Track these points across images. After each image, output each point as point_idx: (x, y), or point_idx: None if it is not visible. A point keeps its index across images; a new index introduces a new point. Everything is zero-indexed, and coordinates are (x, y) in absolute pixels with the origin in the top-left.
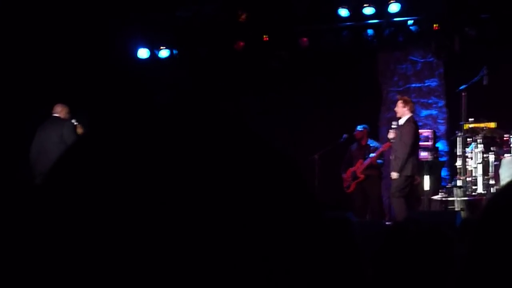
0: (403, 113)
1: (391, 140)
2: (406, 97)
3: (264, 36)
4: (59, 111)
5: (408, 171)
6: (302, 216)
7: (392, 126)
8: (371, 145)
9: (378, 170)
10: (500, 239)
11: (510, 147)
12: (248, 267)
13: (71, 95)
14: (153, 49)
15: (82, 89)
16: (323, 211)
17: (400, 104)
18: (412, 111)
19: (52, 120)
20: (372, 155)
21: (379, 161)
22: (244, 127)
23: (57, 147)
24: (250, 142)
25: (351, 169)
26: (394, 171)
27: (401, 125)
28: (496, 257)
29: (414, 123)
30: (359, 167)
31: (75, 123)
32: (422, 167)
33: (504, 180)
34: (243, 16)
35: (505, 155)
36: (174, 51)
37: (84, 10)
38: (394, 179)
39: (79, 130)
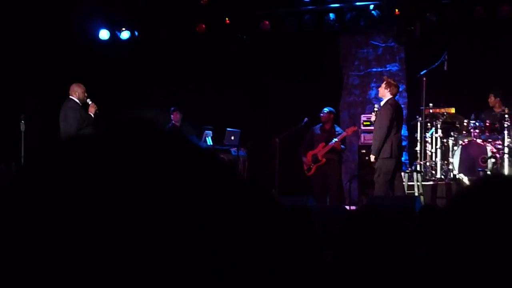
0: (384, 95)
1: (374, 123)
2: (391, 80)
3: (226, 19)
4: (71, 91)
5: (386, 153)
6: (250, 208)
7: (375, 109)
8: (335, 129)
9: (339, 154)
10: (460, 240)
11: (469, 132)
12: (207, 262)
13: (31, 78)
14: (114, 30)
15: (42, 72)
16: (275, 199)
17: (383, 85)
18: (393, 93)
19: (66, 100)
20: (335, 139)
21: (342, 146)
22: (168, 136)
23: (63, 125)
24: (182, 149)
25: (312, 152)
26: (372, 154)
27: (382, 107)
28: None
29: (391, 105)
30: (321, 150)
31: (89, 102)
32: (402, 149)
33: (458, 165)
34: None
35: (465, 140)
36: (135, 33)
37: None
38: (377, 163)
39: (92, 110)
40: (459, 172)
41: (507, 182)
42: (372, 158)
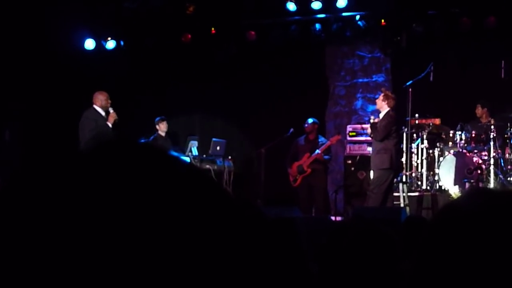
0: (382, 107)
1: (370, 135)
2: (388, 92)
3: (212, 29)
4: (94, 99)
5: (386, 164)
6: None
7: (371, 120)
8: (319, 140)
9: (324, 165)
10: (446, 253)
11: (455, 143)
12: (190, 276)
13: (16, 88)
14: (100, 40)
15: (27, 81)
16: (260, 212)
17: (380, 97)
18: (390, 106)
19: (86, 110)
20: (317, 151)
21: (326, 156)
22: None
23: (80, 135)
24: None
25: (297, 163)
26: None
27: (381, 118)
28: (442, 271)
29: (390, 117)
30: (306, 161)
31: (110, 111)
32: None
33: (442, 176)
34: (191, 8)
35: (451, 151)
36: (121, 42)
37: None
38: (375, 174)
39: (111, 119)
40: (455, 184)
41: (494, 195)
42: (369, 131)
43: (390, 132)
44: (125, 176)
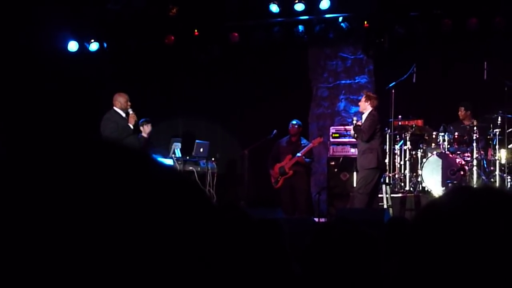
0: (365, 108)
1: (354, 137)
2: (370, 93)
3: (195, 31)
4: (114, 101)
5: (373, 164)
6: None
7: (354, 122)
8: (301, 142)
9: (306, 166)
10: (429, 253)
11: (438, 145)
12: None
13: None
14: (83, 42)
15: (9, 83)
16: (244, 213)
17: (363, 99)
18: (373, 106)
19: (107, 112)
20: (298, 154)
21: (307, 159)
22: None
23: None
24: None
25: (279, 165)
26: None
27: (365, 119)
28: (425, 271)
29: (373, 116)
30: (288, 162)
31: (130, 112)
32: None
33: (425, 178)
34: (174, 10)
35: (434, 152)
36: (104, 44)
37: (12, 1)
38: (360, 174)
39: (131, 121)
40: (442, 186)
41: (474, 193)
42: (352, 132)
43: (375, 132)
44: (101, 179)
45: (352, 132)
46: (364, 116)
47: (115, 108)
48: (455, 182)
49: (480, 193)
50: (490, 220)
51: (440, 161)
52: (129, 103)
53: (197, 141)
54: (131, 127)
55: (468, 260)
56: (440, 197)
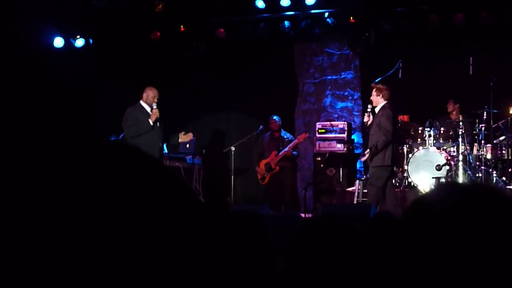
0: (377, 102)
1: (367, 124)
2: (380, 85)
3: (181, 27)
4: (143, 93)
5: (388, 161)
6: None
7: (368, 110)
8: (284, 136)
9: (293, 162)
10: (417, 248)
11: (424, 140)
12: (151, 271)
13: None
14: (69, 38)
15: None
16: (225, 207)
17: (374, 92)
18: (386, 98)
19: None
20: (285, 149)
21: (294, 152)
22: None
23: (124, 130)
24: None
25: (265, 161)
26: (369, 158)
27: (377, 114)
28: (416, 264)
29: (390, 109)
30: (274, 158)
31: (154, 107)
32: (336, 160)
33: (411, 173)
34: (160, 6)
35: (420, 147)
36: (90, 41)
37: None
38: (375, 170)
39: (153, 117)
40: (414, 180)
41: (463, 189)
42: (365, 158)
43: (395, 126)
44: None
45: (365, 119)
46: (377, 110)
47: (141, 101)
48: (440, 177)
49: (468, 189)
50: (478, 216)
51: (426, 156)
52: (156, 99)
53: None
54: (151, 123)
55: (456, 256)
56: (428, 193)
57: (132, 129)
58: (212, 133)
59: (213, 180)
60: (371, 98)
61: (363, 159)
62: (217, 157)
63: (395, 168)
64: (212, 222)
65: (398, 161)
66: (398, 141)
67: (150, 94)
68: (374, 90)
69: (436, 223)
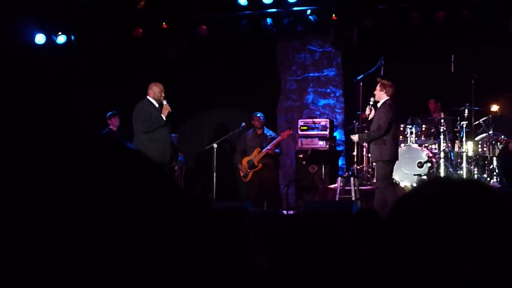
0: (380, 97)
1: (368, 118)
2: (385, 80)
3: (163, 23)
4: (148, 90)
5: (386, 156)
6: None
7: (370, 103)
8: (267, 134)
9: (275, 159)
10: (407, 242)
11: (406, 137)
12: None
13: None
14: (50, 34)
15: None
16: (207, 203)
17: (378, 87)
18: (389, 94)
19: (140, 101)
20: (267, 146)
21: (276, 150)
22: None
23: (135, 126)
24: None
25: (247, 158)
26: (359, 138)
27: (378, 109)
28: (403, 260)
29: (390, 106)
30: (256, 156)
31: (164, 103)
32: (318, 157)
33: (393, 170)
34: (142, 3)
35: (402, 145)
36: (72, 37)
37: None
38: (376, 165)
39: (165, 112)
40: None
41: (450, 184)
42: (355, 138)
43: (391, 123)
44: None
45: (367, 112)
46: (379, 105)
47: (148, 97)
48: (422, 174)
49: (454, 184)
50: (464, 212)
51: (407, 154)
52: (163, 94)
53: None
54: (164, 118)
55: (441, 251)
56: (415, 189)
57: (146, 124)
58: (194, 130)
59: (195, 178)
60: (375, 92)
61: (353, 137)
62: (199, 154)
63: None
64: (195, 218)
65: (397, 155)
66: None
67: (156, 89)
68: (378, 84)
69: (422, 219)
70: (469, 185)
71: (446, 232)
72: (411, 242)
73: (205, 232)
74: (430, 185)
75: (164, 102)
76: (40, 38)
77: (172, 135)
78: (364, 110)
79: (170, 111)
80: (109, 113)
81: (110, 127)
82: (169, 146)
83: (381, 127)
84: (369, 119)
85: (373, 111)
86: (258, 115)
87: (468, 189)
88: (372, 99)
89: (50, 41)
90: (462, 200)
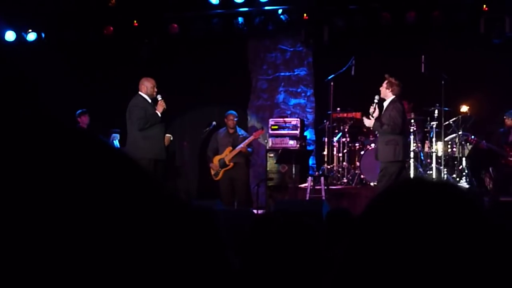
0: (386, 95)
1: (371, 116)
2: (392, 79)
3: (134, 22)
4: (140, 86)
5: (398, 157)
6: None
7: (375, 101)
8: (239, 133)
9: (246, 158)
10: (378, 241)
11: (376, 137)
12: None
13: None
14: (20, 32)
15: None
16: (181, 201)
17: (384, 84)
18: (395, 93)
19: (133, 97)
20: (240, 145)
21: (249, 149)
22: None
23: (128, 124)
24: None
25: (219, 157)
26: (371, 124)
27: (387, 107)
28: (373, 258)
29: (400, 103)
30: (228, 155)
31: (159, 99)
32: (289, 156)
33: (364, 170)
34: (113, 1)
35: (372, 144)
36: (42, 35)
37: None
38: (382, 165)
39: (160, 108)
40: (366, 177)
41: (420, 186)
42: (369, 123)
43: (404, 119)
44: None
45: (371, 110)
46: (385, 104)
47: (140, 93)
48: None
49: (425, 186)
50: (434, 213)
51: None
52: (156, 89)
53: None
54: (159, 114)
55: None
56: (387, 189)
57: (141, 121)
58: (164, 129)
59: (166, 176)
60: (380, 88)
61: (366, 121)
62: (170, 152)
63: (328, 166)
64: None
65: (408, 155)
66: (352, 139)
67: (149, 85)
68: (385, 82)
69: (393, 219)
70: (440, 187)
71: (415, 232)
72: (381, 241)
73: (177, 230)
74: (402, 186)
75: (159, 98)
76: (10, 35)
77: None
78: (335, 110)
79: (165, 107)
80: (78, 111)
81: (80, 125)
82: (164, 143)
83: (398, 126)
84: (373, 117)
85: (377, 110)
86: (231, 113)
87: (438, 190)
88: (376, 97)
89: (20, 38)
90: (432, 202)
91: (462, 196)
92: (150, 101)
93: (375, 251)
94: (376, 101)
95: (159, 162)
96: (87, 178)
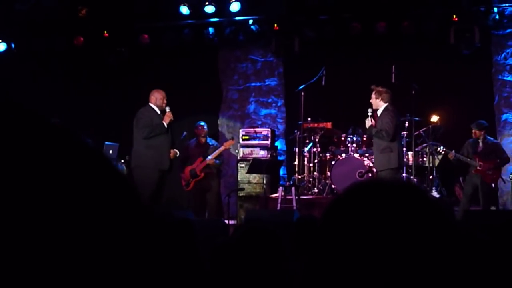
0: (377, 104)
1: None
2: (380, 88)
3: (104, 32)
4: (150, 97)
5: (394, 164)
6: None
7: (369, 114)
8: (210, 143)
9: (217, 168)
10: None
11: (347, 147)
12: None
13: None
14: None
15: None
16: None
17: (373, 95)
18: (386, 100)
19: (142, 107)
20: (209, 157)
21: (217, 161)
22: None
23: (135, 132)
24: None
25: (190, 167)
26: (370, 135)
27: (380, 116)
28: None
29: (392, 111)
30: (199, 165)
31: (167, 110)
32: (259, 166)
33: (334, 179)
34: (83, 11)
35: (343, 154)
36: (12, 45)
37: None
38: (379, 173)
39: (166, 119)
40: (337, 187)
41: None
42: (368, 123)
43: (396, 127)
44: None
45: (367, 123)
46: (379, 113)
47: (150, 104)
48: None
49: (385, 187)
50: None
51: (348, 163)
52: (165, 101)
53: (106, 142)
54: (165, 125)
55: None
56: (346, 192)
57: (146, 130)
58: None
59: (136, 186)
60: (371, 101)
61: (368, 121)
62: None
63: (299, 176)
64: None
65: (402, 161)
66: (323, 149)
67: (159, 96)
68: (373, 92)
69: (354, 222)
70: (400, 187)
71: (376, 235)
72: (342, 245)
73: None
74: (361, 188)
75: (167, 109)
76: None
77: (113, 144)
78: (306, 120)
79: (172, 119)
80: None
81: None
82: (168, 153)
83: (389, 133)
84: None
85: (373, 122)
86: (202, 124)
87: (399, 191)
88: (370, 110)
89: None
90: (393, 202)
91: (423, 196)
92: (159, 112)
93: (334, 256)
94: (369, 114)
95: (161, 172)
96: (56, 174)
